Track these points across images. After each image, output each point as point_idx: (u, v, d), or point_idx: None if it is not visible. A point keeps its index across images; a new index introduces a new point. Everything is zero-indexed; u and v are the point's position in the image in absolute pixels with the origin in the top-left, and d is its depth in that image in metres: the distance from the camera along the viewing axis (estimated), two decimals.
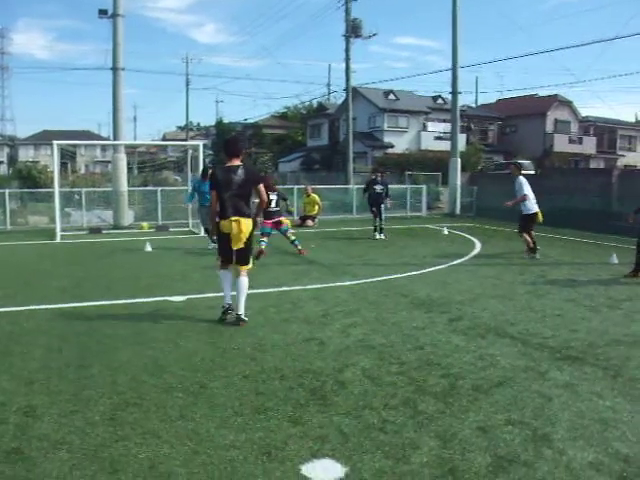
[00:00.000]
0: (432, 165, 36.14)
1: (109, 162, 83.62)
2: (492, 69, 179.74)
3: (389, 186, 16.94)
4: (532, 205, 12.94)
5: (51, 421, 4.45)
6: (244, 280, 7.27)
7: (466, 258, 12.64)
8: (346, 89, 33.83)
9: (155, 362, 5.78)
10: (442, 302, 8.41)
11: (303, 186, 23.35)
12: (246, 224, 7.09)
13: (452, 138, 26.45)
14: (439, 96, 52.70)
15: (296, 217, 19.80)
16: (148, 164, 73.74)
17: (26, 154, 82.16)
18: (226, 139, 7.90)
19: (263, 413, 4.54)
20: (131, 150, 79.79)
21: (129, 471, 3.70)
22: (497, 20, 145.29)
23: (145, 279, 10.32)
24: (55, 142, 17.50)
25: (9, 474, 3.70)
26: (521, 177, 13.05)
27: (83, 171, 73.85)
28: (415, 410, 4.60)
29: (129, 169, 69.70)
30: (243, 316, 7.19)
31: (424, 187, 26.36)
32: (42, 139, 64.37)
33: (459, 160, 25.52)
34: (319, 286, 9.51)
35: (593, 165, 49.69)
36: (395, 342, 6.43)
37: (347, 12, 32.48)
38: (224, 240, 7.28)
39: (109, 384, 5.21)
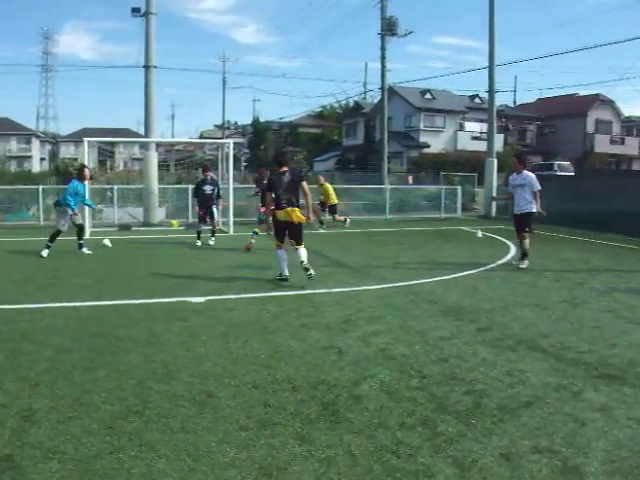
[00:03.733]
0: (468, 166, 35.57)
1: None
2: (531, 68, 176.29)
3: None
4: (533, 204, 11.69)
5: (48, 427, 4.24)
6: (302, 249, 9.65)
7: (499, 263, 12.13)
8: (381, 88, 33.43)
9: (164, 367, 5.53)
10: (471, 310, 7.98)
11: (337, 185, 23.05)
12: (295, 211, 9.40)
13: (488, 138, 25.94)
14: (477, 95, 52.00)
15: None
16: (185, 162, 74.16)
17: (67, 151, 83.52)
18: (276, 153, 11.23)
19: (269, 428, 4.24)
20: (169, 148, 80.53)
21: None
22: (538, 17, 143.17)
23: (167, 278, 10.12)
24: (86, 139, 17.59)
25: None
26: (528, 171, 11.94)
27: (121, 168, 74.61)
28: (433, 431, 4.23)
29: (166, 167, 70.22)
30: (310, 267, 9.49)
31: (459, 188, 25.88)
32: (82, 136, 65.29)
33: (495, 161, 24.94)
34: (344, 290, 9.17)
35: (636, 167, 48.41)
36: (418, 353, 6.05)
37: (383, 10, 32.10)
38: (280, 226, 9.69)
39: (114, 389, 4.98)
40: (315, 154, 59.83)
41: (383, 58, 32.71)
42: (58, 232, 13.01)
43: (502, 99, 62.37)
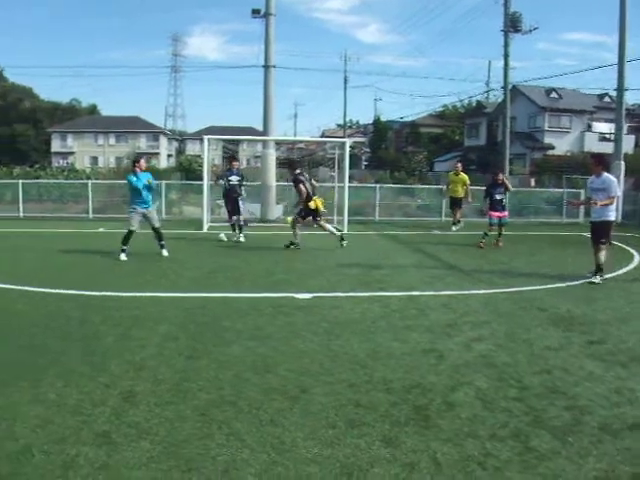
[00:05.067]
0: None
1: None
2: None
3: None
4: (613, 211, 10.41)
5: (145, 409, 4.42)
6: (325, 224, 13.84)
7: (620, 272, 11.41)
8: (504, 87, 32.55)
9: (263, 360, 5.60)
10: (584, 321, 7.54)
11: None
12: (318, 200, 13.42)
13: (616, 140, 24.60)
14: (606, 94, 49.47)
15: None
16: (307, 160, 75.25)
17: (192, 148, 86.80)
18: (293, 160, 14.62)
19: (357, 428, 4.19)
20: (291, 146, 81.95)
21: (202, 472, 3.55)
22: None
23: (276, 274, 10.26)
24: (206, 137, 18.14)
25: (90, 456, 3.71)
26: (607, 174, 10.51)
27: (244, 165, 76.69)
28: (525, 446, 4.00)
29: (287, 165, 71.44)
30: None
31: (582, 192, 24.73)
32: (207, 134, 67.49)
33: (623, 164, 23.65)
34: (451, 293, 8.95)
35: None
36: (520, 362, 5.79)
37: (506, 6, 31.21)
38: (309, 210, 13.47)
39: (211, 378, 5.10)
40: (436, 154, 59.14)
41: (506, 56, 31.81)
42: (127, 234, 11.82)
43: (635, 98, 59.21)
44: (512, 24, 31.72)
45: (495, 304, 8.34)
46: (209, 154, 18.74)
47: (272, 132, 20.78)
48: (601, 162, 10.68)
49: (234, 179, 14.94)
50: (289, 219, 19.71)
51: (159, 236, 12.25)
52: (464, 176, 19.29)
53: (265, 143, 20.94)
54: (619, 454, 3.92)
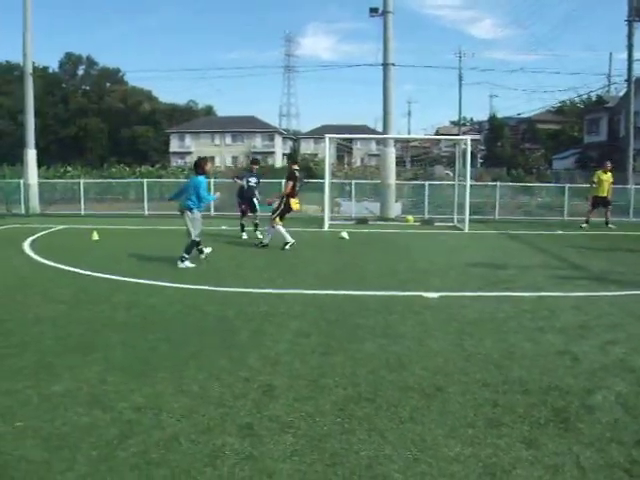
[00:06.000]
0: None
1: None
2: None
3: None
4: None
5: (285, 403, 4.54)
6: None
7: None
8: (628, 80, 30.98)
9: (397, 358, 5.64)
10: None
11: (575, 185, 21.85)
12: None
13: None
14: None
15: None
16: (422, 158, 74.82)
17: (307, 147, 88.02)
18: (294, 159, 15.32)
19: (496, 428, 4.15)
20: (405, 144, 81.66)
21: (346, 466, 3.62)
22: None
23: (402, 273, 10.28)
24: (327, 135, 18.37)
25: (236, 447, 3.85)
26: None
27: (359, 164, 76.98)
28: None
29: (403, 163, 70.90)
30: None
31: None
32: (321, 133, 68.11)
33: None
34: (582, 294, 8.66)
35: None
36: None
37: None
38: (289, 209, 12.96)
39: (347, 375, 5.18)
40: (554, 151, 57.25)
41: (630, 46, 30.27)
42: (193, 243, 10.95)
43: None
44: (637, 13, 30.16)
45: (628, 306, 7.99)
46: (329, 152, 18.98)
47: (391, 130, 20.80)
48: None
49: (252, 181, 15.39)
50: (410, 218, 19.78)
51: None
52: (610, 175, 18.88)
53: (385, 141, 20.99)
54: None
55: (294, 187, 12.93)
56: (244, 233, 15.29)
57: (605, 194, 18.49)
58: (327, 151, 18.32)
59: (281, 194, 13.14)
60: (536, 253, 13.19)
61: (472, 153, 71.99)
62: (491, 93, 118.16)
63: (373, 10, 21.25)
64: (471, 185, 19.13)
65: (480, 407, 4.52)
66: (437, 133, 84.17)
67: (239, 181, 15.59)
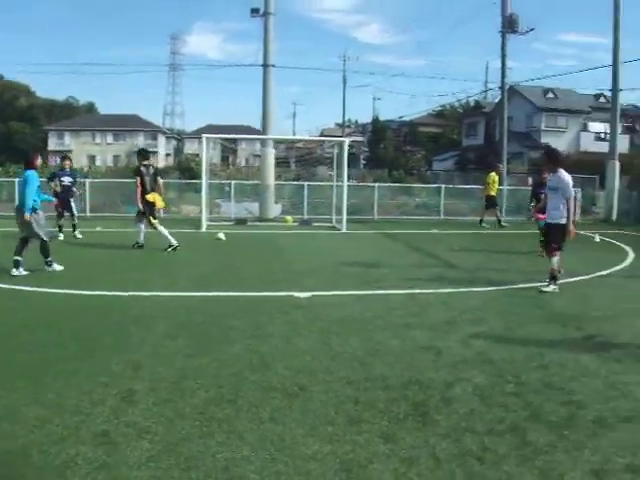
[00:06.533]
0: (591, 168, 33.84)
1: None
2: None
3: None
4: (564, 213, 9.16)
5: (144, 408, 4.41)
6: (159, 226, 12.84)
7: (615, 269, 11.41)
8: (501, 87, 32.54)
9: (262, 358, 5.59)
10: (579, 317, 7.58)
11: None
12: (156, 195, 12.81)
13: (611, 139, 24.70)
14: (602, 94, 49.56)
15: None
16: (306, 159, 75.36)
17: (191, 147, 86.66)
18: (140, 149, 14.54)
19: (356, 425, 4.19)
20: (290, 145, 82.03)
21: (202, 469, 3.54)
22: None
23: (276, 273, 10.28)
24: (205, 135, 18.25)
25: (90, 456, 3.68)
26: (563, 171, 9.31)
27: (244, 164, 76.73)
28: (523, 440, 4.02)
29: (287, 164, 71.14)
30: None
31: (578, 191, 24.75)
32: (206, 133, 67.42)
33: (617, 163, 23.69)
34: (451, 290, 8.99)
35: None
36: (517, 358, 5.79)
37: (503, 7, 31.21)
38: (148, 204, 12.67)
39: (211, 377, 5.09)
40: (434, 153, 59.17)
41: (503, 56, 31.80)
42: (45, 244, 9.94)
43: (631, 98, 59.34)
44: (509, 25, 31.72)
45: (493, 302, 8.37)
46: (208, 153, 18.77)
47: (271, 131, 20.80)
48: (551, 158, 9.84)
49: (66, 180, 14.53)
50: (288, 218, 19.85)
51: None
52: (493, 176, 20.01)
53: (264, 142, 20.96)
54: (613, 446, 3.96)
55: (143, 183, 12.60)
56: (61, 234, 14.18)
57: (495, 194, 19.41)
58: (204, 151, 18.05)
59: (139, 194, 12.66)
60: (411, 252, 13.55)
61: (355, 155, 73.41)
62: (375, 96, 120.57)
63: (254, 10, 21.17)
64: (350, 186, 19.45)
65: (341, 404, 4.55)
66: (322, 134, 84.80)
67: (52, 183, 14.34)
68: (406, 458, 3.73)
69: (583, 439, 4.06)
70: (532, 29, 32.25)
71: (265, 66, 20.34)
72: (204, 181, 17.65)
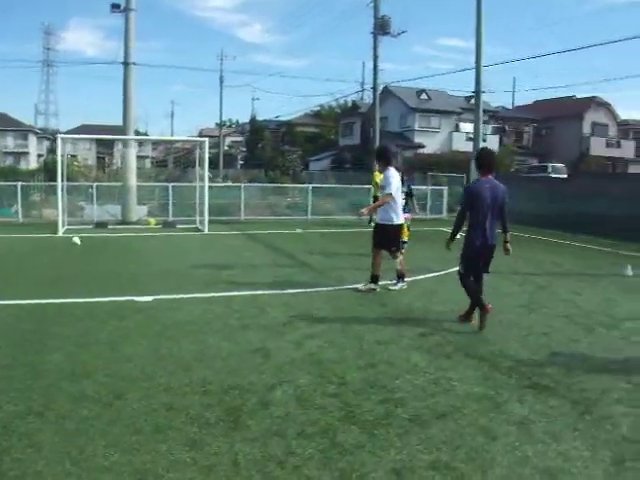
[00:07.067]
0: (463, 167, 35.31)
1: (146, 157, 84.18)
2: (528, 70, 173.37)
3: None
4: (395, 213, 9.14)
5: None
6: None
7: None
8: (373, 88, 33.34)
9: (84, 367, 5.41)
10: (421, 313, 7.83)
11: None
12: None
13: (474, 139, 25.85)
14: (473, 96, 51.65)
15: None
16: (182, 160, 74.18)
17: (66, 148, 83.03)
18: None
19: (163, 432, 4.12)
20: (168, 146, 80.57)
21: None
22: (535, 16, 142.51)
23: (124, 277, 10.00)
24: (60, 135, 17.65)
25: None
26: (392, 169, 9.22)
27: (119, 165, 74.40)
28: (332, 442, 4.06)
29: (165, 165, 69.64)
30: None
31: (445, 189, 25.77)
32: (81, 133, 64.87)
33: None
34: (298, 291, 9.05)
35: (632, 170, 48.07)
36: (348, 357, 5.89)
37: (375, 9, 31.98)
38: None
39: (24, 389, 4.87)
40: (312, 153, 59.67)
41: (375, 57, 32.61)
42: None
43: (500, 100, 62.16)
44: (381, 27, 32.50)
45: (339, 300, 8.49)
46: (64, 154, 18.09)
47: (131, 130, 20.24)
48: (379, 156, 9.60)
49: None
50: (151, 221, 19.43)
51: None
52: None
53: (125, 142, 20.38)
54: (422, 443, 4.06)
55: None
56: None
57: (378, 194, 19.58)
58: (59, 151, 17.31)
59: None
60: (268, 252, 13.57)
61: (233, 155, 72.67)
62: (254, 96, 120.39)
63: (115, 6, 20.48)
64: (217, 187, 19.30)
65: (153, 412, 4.47)
66: (200, 134, 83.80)
67: None
68: (206, 466, 3.70)
69: (393, 438, 4.14)
70: (404, 31, 33.30)
71: (126, 64, 19.77)
72: (59, 183, 16.98)
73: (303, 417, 4.46)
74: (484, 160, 7.46)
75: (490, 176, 7.33)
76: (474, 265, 7.42)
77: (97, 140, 65.72)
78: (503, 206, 7.29)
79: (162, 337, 6.43)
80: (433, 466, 3.76)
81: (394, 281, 9.43)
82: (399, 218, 9.18)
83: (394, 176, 9.12)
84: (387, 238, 9.14)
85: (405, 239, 11.34)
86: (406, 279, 9.58)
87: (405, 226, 10.71)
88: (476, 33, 24.55)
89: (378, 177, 19.32)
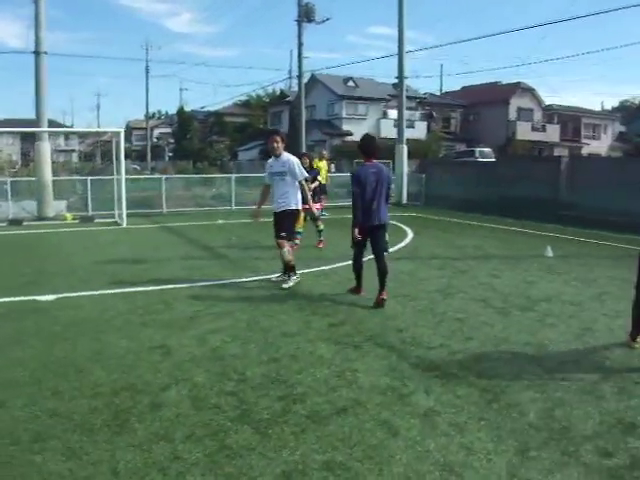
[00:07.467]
0: (391, 153, 35.47)
1: (73, 151, 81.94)
2: (457, 56, 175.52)
3: None
4: (295, 199, 8.77)
5: None
6: None
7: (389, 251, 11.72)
8: (298, 75, 33.23)
9: None
10: (332, 303, 7.64)
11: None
12: None
13: (399, 125, 25.94)
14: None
15: None
16: (109, 153, 72.68)
17: None
18: None
19: (41, 442, 3.85)
20: (96, 139, 78.69)
21: None
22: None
23: (27, 276, 9.45)
24: None
25: None
26: (289, 155, 8.86)
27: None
28: (221, 444, 3.84)
29: (91, 158, 67.94)
30: None
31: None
32: (3, 126, 62.29)
33: (405, 147, 24.88)
34: (208, 283, 8.77)
35: (557, 153, 49.38)
36: (251, 352, 5.68)
37: None
38: None
39: None
40: (241, 143, 59.20)
41: (300, 45, 32.46)
42: None
43: (428, 86, 63.09)
44: (306, 14, 32.37)
45: (250, 292, 8.28)
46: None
47: (44, 123, 19.43)
48: (270, 140, 8.86)
49: None
50: (68, 216, 18.78)
51: None
52: (326, 162, 20.04)
53: (38, 135, 19.54)
54: (317, 442, 3.89)
55: None
56: None
57: (324, 182, 19.35)
58: None
59: None
60: (184, 245, 13.17)
61: (161, 147, 71.48)
62: (181, 86, 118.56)
63: None
64: (136, 179, 18.78)
65: (35, 420, 4.18)
66: (128, 126, 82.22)
67: None
68: (83, 477, 3.46)
69: (288, 437, 3.96)
70: (328, 19, 33.26)
71: (37, 53, 18.94)
72: None
73: (195, 418, 4.23)
74: (366, 146, 7.81)
75: (374, 160, 7.77)
76: (360, 244, 7.85)
77: (21, 135, 63.43)
78: (388, 188, 7.86)
79: (59, 338, 6.09)
80: (327, 467, 3.58)
81: (279, 274, 9.03)
82: (298, 204, 8.79)
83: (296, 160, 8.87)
84: (285, 224, 8.62)
85: (300, 230, 11.04)
86: (322, 267, 9.42)
87: (302, 216, 10.36)
88: (398, 19, 24.59)
89: (319, 163, 19.19)
